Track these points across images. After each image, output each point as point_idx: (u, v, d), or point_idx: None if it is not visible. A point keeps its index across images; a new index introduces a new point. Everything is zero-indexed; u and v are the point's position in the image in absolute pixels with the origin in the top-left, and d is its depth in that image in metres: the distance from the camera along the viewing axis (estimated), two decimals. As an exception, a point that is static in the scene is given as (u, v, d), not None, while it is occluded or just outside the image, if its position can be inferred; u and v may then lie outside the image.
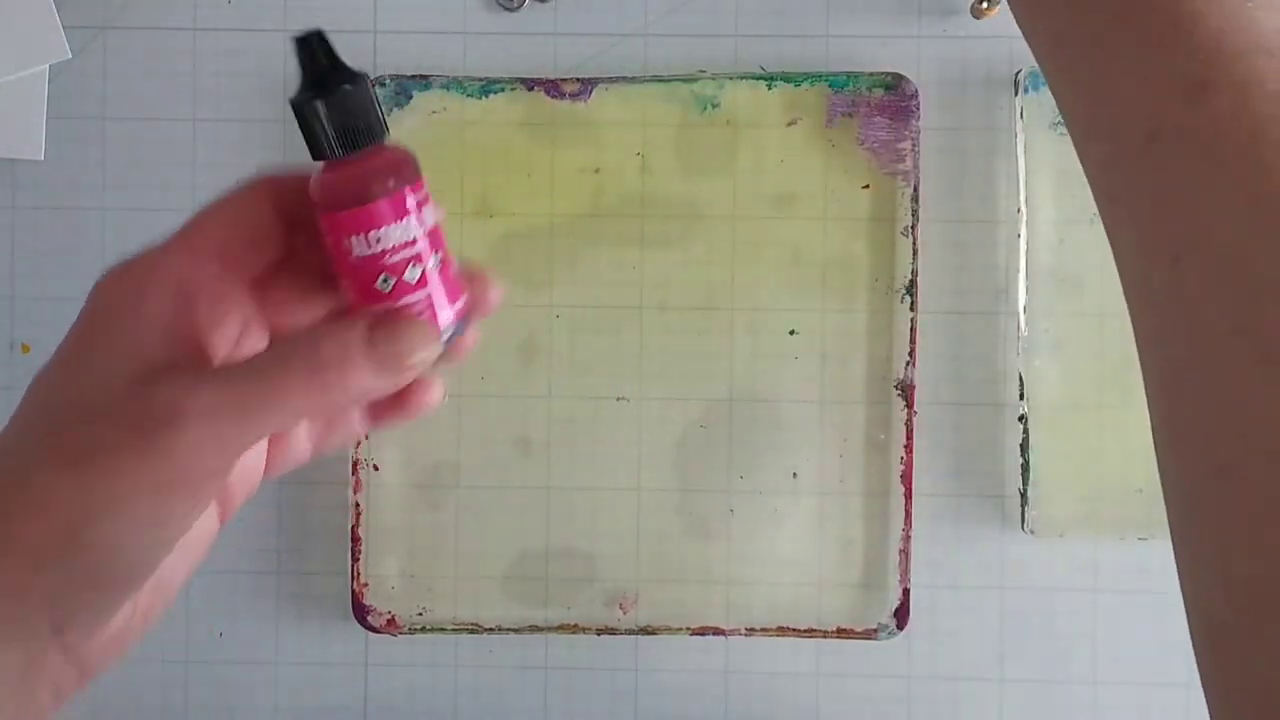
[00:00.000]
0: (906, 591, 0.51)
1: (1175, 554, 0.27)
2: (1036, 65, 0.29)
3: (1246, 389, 0.24)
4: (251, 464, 0.35)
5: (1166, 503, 0.27)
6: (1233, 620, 0.24)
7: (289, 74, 0.53)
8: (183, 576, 0.35)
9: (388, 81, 0.51)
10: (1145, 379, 0.27)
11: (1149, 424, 0.27)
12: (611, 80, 0.52)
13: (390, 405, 0.35)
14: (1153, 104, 0.26)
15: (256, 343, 0.33)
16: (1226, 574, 0.25)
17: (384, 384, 0.31)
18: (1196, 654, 0.26)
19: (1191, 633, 0.26)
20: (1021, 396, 0.51)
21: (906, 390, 0.51)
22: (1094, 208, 0.29)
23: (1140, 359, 0.28)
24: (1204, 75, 0.26)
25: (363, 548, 0.51)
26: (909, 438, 0.51)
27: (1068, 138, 0.29)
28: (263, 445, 0.36)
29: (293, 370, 0.30)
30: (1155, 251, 0.26)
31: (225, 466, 0.30)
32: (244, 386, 0.30)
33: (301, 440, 0.36)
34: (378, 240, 0.31)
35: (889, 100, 0.51)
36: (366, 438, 0.51)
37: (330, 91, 0.31)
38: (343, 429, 0.36)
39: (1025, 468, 0.51)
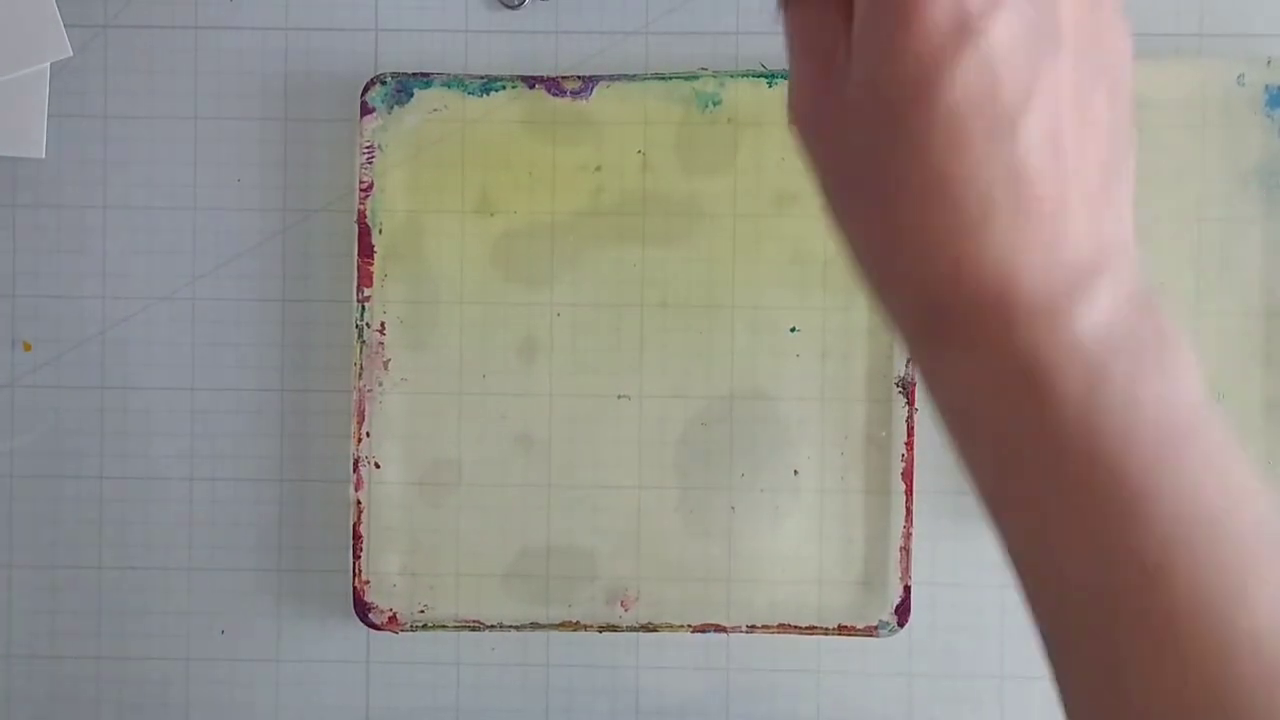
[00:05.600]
0: (908, 589, 0.51)
1: None
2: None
3: None
4: None
5: None
6: None
7: (291, 72, 0.53)
8: None
9: (388, 79, 0.51)
10: None
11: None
12: (613, 78, 0.52)
13: None
14: (1107, 585, 0.26)
15: None
16: None
17: None
18: None
19: None
20: (1022, 394, 0.51)
21: (908, 387, 0.51)
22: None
23: None
24: (1161, 558, 0.25)
25: (364, 545, 0.51)
26: (910, 435, 0.51)
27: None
28: None
29: None
30: None
31: None
32: None
33: None
34: None
35: (890, 98, 0.51)
36: (368, 435, 0.51)
37: None
38: None
39: (1026, 465, 0.51)
